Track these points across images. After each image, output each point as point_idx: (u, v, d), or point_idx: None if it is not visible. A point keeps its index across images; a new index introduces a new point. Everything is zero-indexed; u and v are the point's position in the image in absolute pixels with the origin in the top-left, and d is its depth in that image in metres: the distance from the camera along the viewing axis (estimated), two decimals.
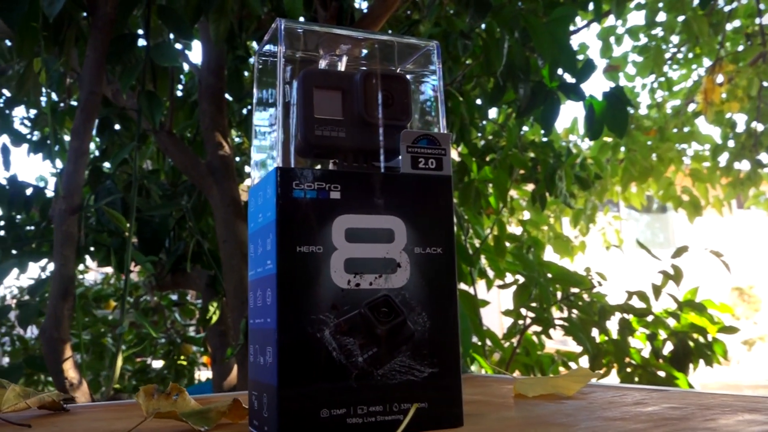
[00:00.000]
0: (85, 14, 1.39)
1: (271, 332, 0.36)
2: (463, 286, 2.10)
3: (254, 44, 1.81)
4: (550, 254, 3.21)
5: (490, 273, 2.33)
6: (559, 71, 1.65)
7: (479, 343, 2.11)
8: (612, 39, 3.07)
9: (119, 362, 1.18)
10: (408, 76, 0.42)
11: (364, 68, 0.41)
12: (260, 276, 0.38)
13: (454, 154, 2.35)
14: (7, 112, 2.14)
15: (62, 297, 1.20)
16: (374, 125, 0.40)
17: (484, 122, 2.46)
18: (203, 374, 3.33)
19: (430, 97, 0.43)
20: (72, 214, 1.21)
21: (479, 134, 2.43)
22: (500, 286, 2.16)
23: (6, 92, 2.19)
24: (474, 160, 2.15)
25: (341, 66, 0.43)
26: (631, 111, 3.01)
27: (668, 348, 1.86)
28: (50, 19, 1.15)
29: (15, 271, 1.75)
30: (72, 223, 1.22)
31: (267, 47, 0.41)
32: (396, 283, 0.38)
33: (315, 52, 0.42)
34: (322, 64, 0.43)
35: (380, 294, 0.37)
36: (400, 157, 0.39)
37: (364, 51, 0.43)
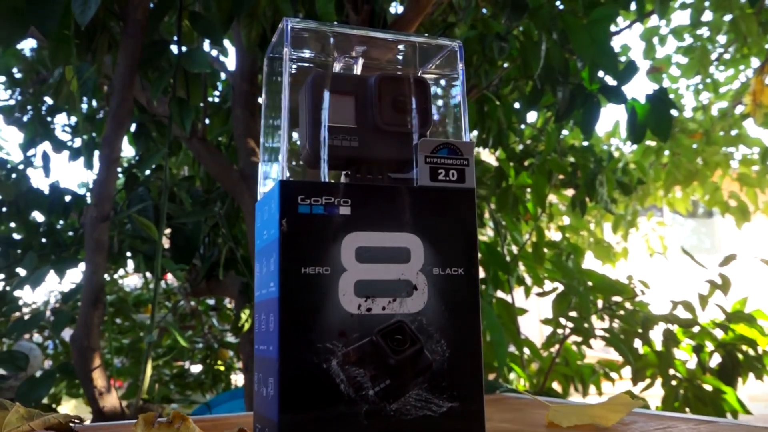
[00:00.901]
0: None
1: (273, 362, 0.32)
2: (500, 293, 2.06)
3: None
4: (591, 261, 3.13)
5: (529, 280, 2.28)
6: (601, 73, 1.60)
7: (517, 353, 2.07)
8: (655, 40, 2.98)
9: (148, 372, 1.17)
10: (430, 80, 0.39)
11: (379, 71, 0.38)
12: (264, 298, 0.35)
13: (492, 159, 2.31)
14: (49, 119, 2.17)
15: (93, 305, 1.20)
16: (390, 133, 0.37)
17: (523, 126, 2.42)
18: (240, 379, 3.34)
19: (457, 102, 0.40)
20: (102, 221, 1.21)
21: (517, 138, 2.38)
22: (539, 294, 2.11)
23: (48, 100, 2.22)
24: (512, 165, 2.10)
25: (357, 69, 0.40)
26: (676, 114, 2.92)
27: (716, 360, 1.79)
28: (82, 26, 1.15)
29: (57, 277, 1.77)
30: (103, 231, 1.21)
31: (276, 50, 0.38)
32: (412, 308, 0.34)
33: (328, 54, 0.38)
34: (337, 67, 0.40)
35: (394, 320, 0.34)
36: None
37: (383, 53, 0.40)
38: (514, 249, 2.23)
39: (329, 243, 0.33)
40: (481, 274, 2.03)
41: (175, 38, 1.27)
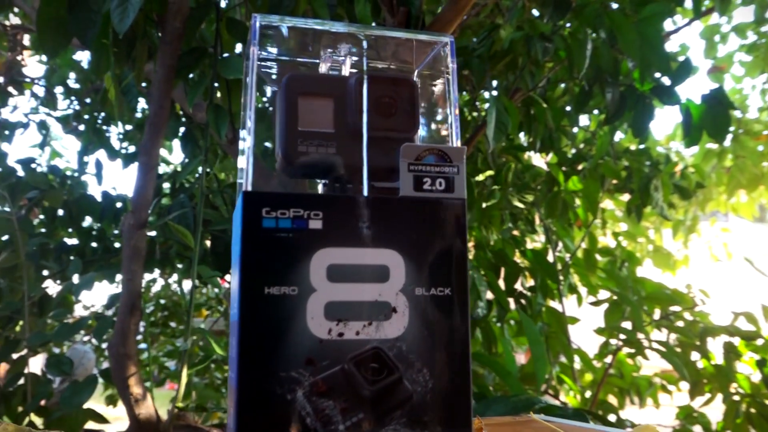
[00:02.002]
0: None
1: (234, 391, 0.29)
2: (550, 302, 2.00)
3: None
4: (650, 268, 3.02)
5: (583, 289, 2.21)
6: (657, 74, 1.52)
7: (567, 364, 2.01)
8: (717, 38, 2.85)
9: (183, 380, 1.16)
10: (423, 79, 0.35)
11: (361, 71, 0.35)
12: (232, 320, 0.32)
13: (542, 163, 2.24)
14: (104, 128, 2.22)
15: (129, 312, 1.20)
16: (372, 138, 0.33)
17: (576, 129, 2.34)
18: None
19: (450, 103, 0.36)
20: (139, 228, 1.21)
21: (569, 142, 2.31)
22: (592, 303, 2.04)
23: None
24: (561, 171, 2.03)
25: (345, 69, 0.37)
26: (739, 114, 2.78)
27: None
28: (120, 35, 1.16)
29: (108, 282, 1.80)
30: (140, 238, 1.22)
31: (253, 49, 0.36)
32: (390, 333, 0.31)
33: (308, 53, 0.35)
34: (324, 67, 0.37)
35: (370, 346, 0.30)
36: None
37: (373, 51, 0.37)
38: (566, 257, 2.17)
39: (297, 260, 0.30)
40: (530, 281, 1.97)
41: (214, 45, 1.26)
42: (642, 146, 2.20)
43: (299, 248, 0.30)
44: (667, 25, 2.26)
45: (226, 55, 1.30)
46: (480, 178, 1.90)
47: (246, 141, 0.32)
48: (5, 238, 1.69)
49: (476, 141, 1.59)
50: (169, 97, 1.26)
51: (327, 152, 0.33)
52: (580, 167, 2.10)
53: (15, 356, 1.49)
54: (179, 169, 2.34)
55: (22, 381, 1.47)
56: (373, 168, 0.33)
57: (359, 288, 0.30)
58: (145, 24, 1.33)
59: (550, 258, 2.03)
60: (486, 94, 1.89)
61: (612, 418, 1.78)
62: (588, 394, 2.02)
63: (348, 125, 0.33)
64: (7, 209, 1.76)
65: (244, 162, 0.31)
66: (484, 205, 1.83)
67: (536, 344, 1.07)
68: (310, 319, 0.30)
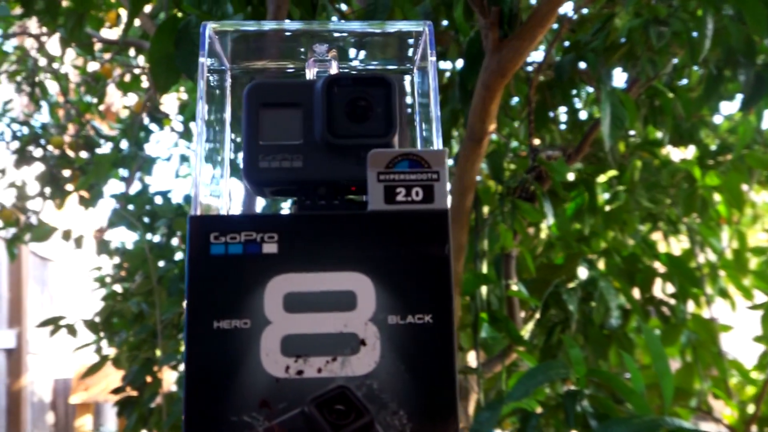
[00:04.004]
0: None
1: None
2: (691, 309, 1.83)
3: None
4: None
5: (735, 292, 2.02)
6: None
7: (719, 377, 1.84)
8: None
9: None
10: (412, 75, 0.31)
11: (329, 73, 0.31)
12: None
13: (676, 158, 2.07)
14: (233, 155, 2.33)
15: None
16: (344, 148, 0.29)
17: (721, 119, 2.16)
18: None
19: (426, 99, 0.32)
20: None
21: (711, 133, 2.13)
22: (750, 308, 1.86)
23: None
24: (700, 165, 1.87)
25: (331, 73, 0.33)
26: None
27: None
28: None
29: None
30: None
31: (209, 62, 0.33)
32: (358, 369, 0.26)
33: (274, 59, 0.32)
34: (310, 73, 0.34)
35: (334, 385, 0.26)
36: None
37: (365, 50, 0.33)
38: (714, 259, 1.99)
39: (249, 290, 0.27)
40: (670, 288, 1.82)
41: None
42: None
43: (252, 276, 0.27)
44: None
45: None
46: (602, 179, 1.79)
47: (195, 157, 0.29)
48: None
49: (592, 139, 1.49)
50: None
51: (291, 167, 0.29)
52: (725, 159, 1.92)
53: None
54: None
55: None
56: (346, 181, 0.30)
57: (321, 318, 0.27)
58: None
59: (697, 260, 1.87)
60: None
61: None
62: (751, 409, 1.83)
63: (316, 135, 0.30)
64: (146, 237, 1.88)
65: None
66: (607, 207, 1.71)
67: (659, 359, 0.96)
68: (264, 356, 0.26)
